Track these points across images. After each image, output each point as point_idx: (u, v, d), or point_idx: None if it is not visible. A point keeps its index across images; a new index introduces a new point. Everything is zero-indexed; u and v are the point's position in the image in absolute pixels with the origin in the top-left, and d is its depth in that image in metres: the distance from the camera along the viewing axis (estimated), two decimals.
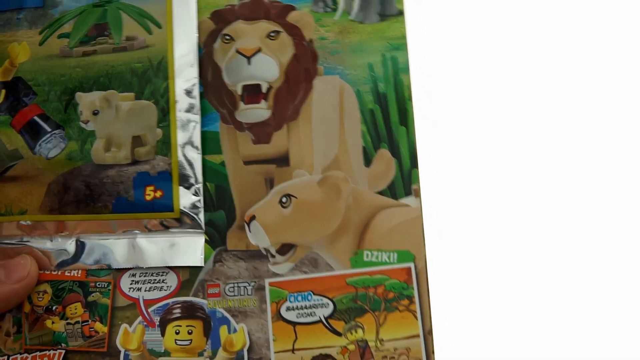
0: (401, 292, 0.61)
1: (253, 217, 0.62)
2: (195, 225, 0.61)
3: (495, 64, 0.64)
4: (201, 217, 0.61)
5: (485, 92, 0.63)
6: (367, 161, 0.63)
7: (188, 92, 0.62)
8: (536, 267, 0.60)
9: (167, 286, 0.62)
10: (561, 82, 0.64)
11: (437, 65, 0.63)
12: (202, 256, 0.61)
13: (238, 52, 0.63)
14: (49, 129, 0.62)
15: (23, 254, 0.61)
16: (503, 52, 0.64)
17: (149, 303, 0.61)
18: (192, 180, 0.62)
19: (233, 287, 0.61)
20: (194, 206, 0.61)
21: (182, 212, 0.61)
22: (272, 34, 0.64)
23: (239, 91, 0.63)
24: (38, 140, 0.62)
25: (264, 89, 0.63)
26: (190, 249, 0.61)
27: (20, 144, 0.62)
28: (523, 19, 0.65)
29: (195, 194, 0.61)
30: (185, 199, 0.61)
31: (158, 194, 0.61)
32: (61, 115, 0.62)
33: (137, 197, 0.61)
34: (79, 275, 0.62)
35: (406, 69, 0.64)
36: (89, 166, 0.62)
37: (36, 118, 0.62)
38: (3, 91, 0.62)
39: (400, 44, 0.64)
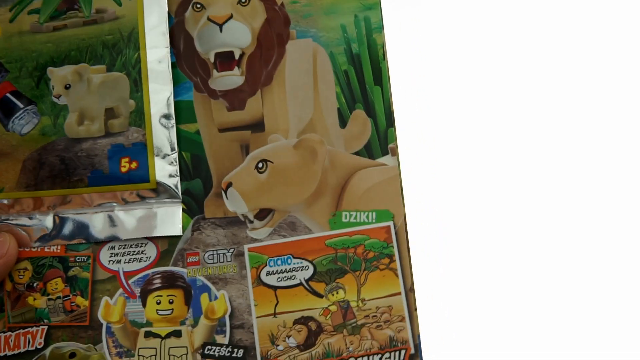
0: (381, 251, 0.60)
1: (230, 184, 0.61)
2: (172, 195, 0.61)
3: (471, 22, 0.63)
4: (178, 186, 0.61)
5: (460, 49, 0.62)
6: (343, 122, 0.62)
7: (160, 62, 0.62)
8: (514, 223, 0.60)
9: (147, 257, 0.61)
10: (537, 53, 0.63)
11: (411, 23, 0.63)
12: (180, 225, 0.61)
13: (209, 19, 0.63)
14: (21, 106, 0.62)
15: (1, 232, 0.61)
16: (478, 10, 0.63)
17: (129, 275, 0.61)
18: (167, 150, 0.61)
19: (212, 255, 0.61)
20: (170, 176, 0.61)
21: (159, 183, 0.61)
22: (243, 0, 0.63)
23: (212, 59, 0.63)
24: (11, 117, 0.62)
25: (236, 56, 0.63)
26: (168, 219, 0.61)
27: None
28: None
29: (171, 163, 0.61)
30: (161, 169, 0.61)
31: (133, 165, 0.61)
32: (33, 91, 0.62)
33: (113, 170, 0.60)
34: (59, 251, 0.62)
35: (379, 29, 0.63)
36: (63, 140, 0.61)
37: (8, 95, 0.62)
38: None
39: (373, 4, 0.64)
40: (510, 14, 0.62)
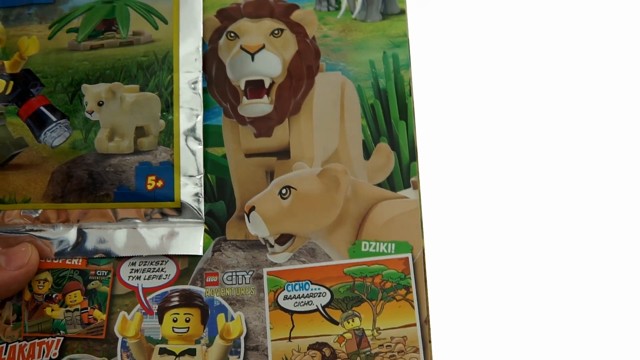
0: (398, 282, 0.61)
1: (253, 208, 0.62)
2: (195, 215, 0.62)
3: (493, 62, 0.64)
4: (201, 207, 0.62)
5: (483, 88, 0.64)
6: (367, 154, 0.63)
7: (192, 86, 0.63)
8: (532, 259, 0.60)
9: (166, 274, 0.62)
10: (559, 81, 0.64)
11: (438, 61, 0.64)
12: (202, 246, 0.62)
13: (242, 48, 0.65)
14: (54, 119, 0.63)
15: (24, 242, 0.61)
16: (501, 50, 0.65)
17: (147, 291, 0.62)
18: (194, 172, 0.62)
19: (231, 276, 0.62)
20: (194, 196, 0.62)
21: (183, 203, 0.62)
22: (276, 32, 0.65)
23: (242, 86, 0.64)
24: (43, 129, 0.63)
25: (266, 85, 0.64)
26: (189, 238, 0.62)
27: (25, 133, 0.63)
28: (522, 17, 0.66)
29: (196, 184, 0.62)
30: (186, 189, 0.62)
31: (159, 183, 0.62)
32: (67, 105, 0.63)
33: (139, 187, 0.62)
34: (80, 264, 0.63)
35: (407, 66, 0.65)
36: (92, 155, 0.63)
37: (42, 108, 0.63)
38: (11, 82, 0.64)
39: (401, 42, 0.65)
40: (534, 53, 0.64)
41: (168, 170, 0.62)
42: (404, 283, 0.61)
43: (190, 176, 0.62)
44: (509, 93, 0.63)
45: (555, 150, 0.62)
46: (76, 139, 0.63)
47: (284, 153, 0.64)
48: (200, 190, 0.62)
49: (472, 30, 0.65)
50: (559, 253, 0.60)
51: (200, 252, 0.62)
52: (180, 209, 0.62)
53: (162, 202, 0.62)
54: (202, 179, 0.62)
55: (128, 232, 0.62)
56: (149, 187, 0.62)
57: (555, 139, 0.62)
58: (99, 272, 0.62)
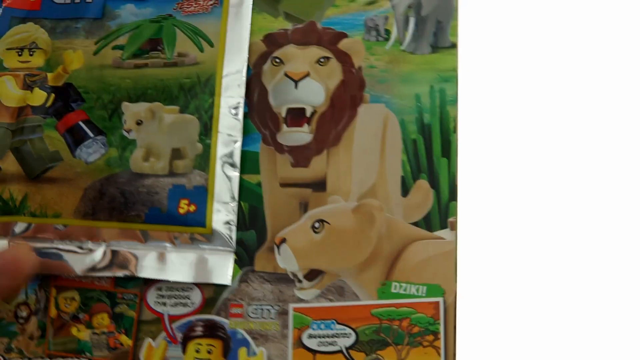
0: (427, 327, 0.58)
1: (284, 240, 0.60)
2: (225, 243, 0.60)
3: (543, 105, 0.61)
4: (233, 235, 0.61)
5: (532, 130, 0.61)
6: (405, 191, 0.61)
7: (233, 111, 0.62)
8: (570, 320, 0.57)
9: (192, 302, 0.61)
10: (612, 124, 0.60)
11: (486, 98, 0.61)
12: (231, 275, 0.60)
13: (286, 75, 0.63)
14: (91, 135, 0.63)
15: (15, 245, 0.60)
16: (552, 91, 0.61)
17: (173, 319, 0.60)
18: (228, 198, 0.61)
19: (256, 309, 0.60)
20: (226, 224, 0.61)
21: (214, 230, 0.60)
22: (321, 60, 0.63)
23: (283, 113, 0.63)
24: (80, 144, 0.63)
25: (308, 113, 0.63)
26: (218, 266, 0.60)
27: (61, 147, 0.63)
28: (572, 55, 0.62)
29: (229, 212, 0.61)
30: (219, 216, 0.61)
31: (192, 208, 0.61)
32: (105, 122, 0.63)
33: (171, 209, 0.61)
34: (108, 285, 0.62)
35: (454, 101, 0.62)
36: (126, 174, 0.62)
37: (81, 123, 0.63)
38: (52, 95, 0.64)
39: (450, 76, 0.63)
40: (586, 90, 0.60)
41: (202, 195, 0.61)
42: (433, 329, 0.58)
43: (224, 203, 0.61)
44: (556, 135, 0.60)
45: (601, 196, 0.58)
46: (111, 156, 0.63)
47: (320, 185, 0.62)
48: (233, 217, 0.61)
49: (524, 68, 0.62)
50: (601, 312, 0.56)
51: (229, 282, 0.61)
52: (211, 236, 0.60)
53: (193, 227, 0.61)
54: (236, 207, 0.61)
55: (157, 255, 0.61)
56: (181, 211, 0.61)
57: (604, 189, 0.58)
58: (126, 296, 0.62)
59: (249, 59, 0.64)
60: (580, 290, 0.58)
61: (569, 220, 0.59)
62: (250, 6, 0.65)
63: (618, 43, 0.63)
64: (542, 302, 0.58)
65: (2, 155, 0.64)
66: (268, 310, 0.60)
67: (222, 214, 0.61)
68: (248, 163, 0.63)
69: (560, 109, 0.62)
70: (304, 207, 0.61)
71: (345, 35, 0.64)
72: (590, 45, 0.63)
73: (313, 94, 0.63)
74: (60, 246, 0.62)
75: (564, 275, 0.58)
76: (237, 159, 0.62)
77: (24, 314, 0.63)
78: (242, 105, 0.63)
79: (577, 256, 0.58)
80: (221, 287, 0.61)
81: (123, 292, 0.62)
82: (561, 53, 0.63)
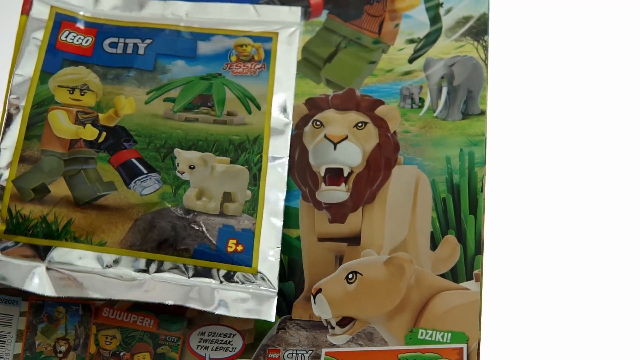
0: None
1: (319, 290, 0.64)
2: (269, 285, 0.63)
3: (565, 162, 0.65)
4: (275, 279, 0.63)
5: (552, 191, 0.64)
6: (434, 245, 0.65)
7: (278, 168, 0.66)
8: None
9: (233, 347, 0.64)
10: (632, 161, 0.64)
11: (511, 161, 0.65)
12: (274, 313, 0.62)
13: (326, 137, 0.68)
14: (145, 171, 0.66)
15: None
16: (576, 152, 0.65)
17: None
18: (272, 244, 0.64)
19: (291, 354, 0.63)
20: (270, 268, 0.64)
21: (259, 271, 0.63)
22: (359, 124, 0.68)
23: (322, 173, 0.67)
24: (134, 178, 0.65)
25: (345, 173, 0.67)
26: (262, 305, 0.62)
27: (116, 178, 0.65)
28: (595, 110, 0.66)
29: (273, 257, 0.64)
30: (264, 259, 0.64)
31: (239, 248, 0.63)
32: (158, 162, 0.66)
33: (220, 247, 0.64)
34: (151, 326, 0.65)
35: (482, 163, 0.66)
36: (179, 209, 0.65)
37: (134, 160, 0.66)
38: (104, 133, 0.66)
39: (479, 141, 0.67)
40: (610, 142, 0.64)
41: (249, 238, 0.64)
42: None
43: (269, 247, 0.64)
44: (578, 191, 0.63)
45: (624, 250, 0.61)
46: (165, 191, 0.65)
47: (354, 239, 0.66)
48: (276, 262, 0.64)
49: (547, 135, 0.66)
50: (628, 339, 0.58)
51: (272, 318, 0.62)
52: (256, 277, 0.63)
53: (239, 265, 0.63)
54: (279, 253, 0.64)
55: (201, 289, 0.63)
56: (229, 250, 0.64)
57: (626, 226, 0.61)
58: (169, 338, 0.65)
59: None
60: (602, 341, 0.60)
61: (585, 275, 0.62)
62: (295, 73, 0.70)
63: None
64: (559, 350, 0.60)
65: (53, 180, 0.65)
66: (302, 354, 0.63)
67: (268, 259, 0.64)
68: (288, 218, 0.67)
69: (577, 169, 0.65)
70: (339, 260, 0.65)
71: (382, 102, 0.69)
72: (614, 110, 0.66)
73: (351, 155, 0.67)
74: (107, 273, 0.63)
75: (582, 329, 0.61)
76: (281, 210, 0.65)
77: (63, 348, 0.65)
78: (286, 163, 0.67)
79: (594, 307, 0.61)
80: (261, 334, 0.64)
81: (166, 334, 0.65)
82: (579, 121, 0.67)
